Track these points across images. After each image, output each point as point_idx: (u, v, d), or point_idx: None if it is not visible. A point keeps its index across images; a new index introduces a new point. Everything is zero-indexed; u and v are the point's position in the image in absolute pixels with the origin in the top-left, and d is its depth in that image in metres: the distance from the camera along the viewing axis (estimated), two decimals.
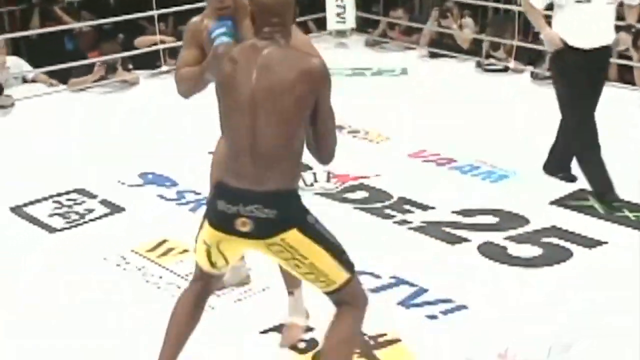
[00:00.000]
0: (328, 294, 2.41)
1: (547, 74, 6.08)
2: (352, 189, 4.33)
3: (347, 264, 2.40)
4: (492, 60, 6.51)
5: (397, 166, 4.59)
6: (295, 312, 2.95)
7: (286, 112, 2.28)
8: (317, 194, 4.25)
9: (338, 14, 7.01)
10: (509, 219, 3.94)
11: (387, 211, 4.06)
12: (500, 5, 7.59)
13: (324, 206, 4.09)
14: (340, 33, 7.22)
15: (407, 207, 4.09)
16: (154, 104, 5.64)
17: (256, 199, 2.31)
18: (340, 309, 2.41)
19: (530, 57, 6.43)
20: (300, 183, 4.35)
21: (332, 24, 7.14)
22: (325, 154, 2.37)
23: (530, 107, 5.53)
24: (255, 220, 2.31)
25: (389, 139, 4.98)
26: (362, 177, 4.42)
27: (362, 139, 5.01)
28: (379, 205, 4.12)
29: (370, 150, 4.84)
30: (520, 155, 4.66)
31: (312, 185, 4.38)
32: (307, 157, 2.38)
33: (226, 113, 2.36)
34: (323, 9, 7.12)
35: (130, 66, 6.34)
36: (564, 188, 4.22)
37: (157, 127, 5.17)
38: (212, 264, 2.46)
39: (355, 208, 4.08)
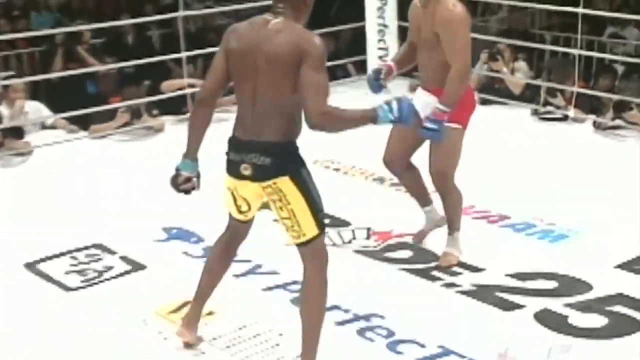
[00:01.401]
0: (297, 245, 3.08)
1: (611, 123, 6.10)
2: (395, 247, 4.32)
3: (320, 222, 3.06)
4: (549, 108, 6.51)
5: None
6: (452, 247, 4.19)
7: (279, 77, 2.93)
8: (355, 251, 4.25)
9: (380, 57, 7.08)
10: (569, 284, 3.89)
11: (434, 273, 4.04)
12: (559, 48, 7.62)
13: (364, 265, 4.09)
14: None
15: (455, 268, 4.07)
16: (180, 152, 5.70)
17: (255, 148, 3.02)
18: (306, 269, 3.08)
19: (592, 105, 6.42)
20: (338, 240, 4.39)
21: (373, 67, 7.21)
22: (307, 119, 2.89)
23: (592, 160, 5.51)
24: (254, 166, 3.03)
25: (434, 193, 4.98)
26: (405, 235, 4.42)
27: (406, 193, 5.02)
28: (424, 266, 4.11)
29: (415, 205, 4.84)
30: (582, 213, 4.62)
31: (350, 242, 4.39)
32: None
33: (237, 79, 3.05)
34: (364, 51, 7.20)
35: (156, 112, 6.46)
36: (632, 250, 4.17)
37: None
38: (239, 209, 3.19)
39: (399, 269, 4.07)
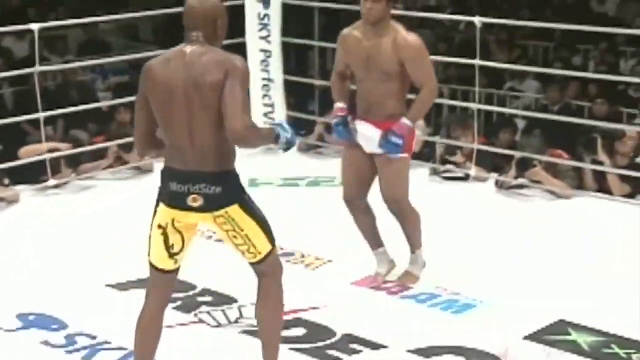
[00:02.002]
0: (253, 264, 3.45)
1: (515, 182, 6.30)
2: (287, 325, 4.28)
3: (271, 236, 3.44)
4: (448, 167, 6.68)
5: (340, 296, 4.60)
6: (413, 266, 4.69)
7: (209, 100, 3.19)
8: (242, 332, 4.20)
9: (265, 114, 7.14)
10: (476, 358, 3.94)
11: (330, 352, 4.03)
12: (456, 103, 7.89)
13: (251, 347, 4.04)
14: None
15: (354, 346, 4.07)
16: (35, 225, 5.58)
17: (202, 178, 3.27)
18: (263, 281, 3.47)
19: (494, 162, 6.61)
20: (223, 319, 4.34)
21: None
22: (232, 132, 3.18)
23: (496, 222, 5.66)
24: (205, 196, 3.29)
25: (329, 263, 5.00)
26: (298, 311, 4.40)
27: (297, 264, 5.02)
28: (319, 344, 4.09)
29: (307, 277, 4.85)
30: (488, 280, 4.72)
31: (236, 321, 4.34)
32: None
33: (165, 114, 3.27)
34: None
35: (7, 181, 6.25)
36: (541, 319, 4.28)
37: (40, 256, 5.09)
38: (169, 251, 3.38)
39: (291, 349, 4.04)
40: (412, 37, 4.33)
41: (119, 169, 6.55)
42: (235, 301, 4.53)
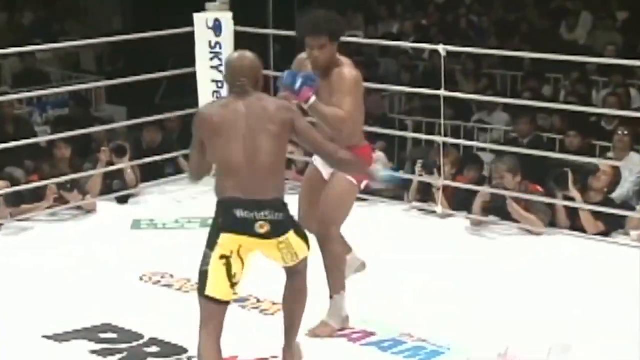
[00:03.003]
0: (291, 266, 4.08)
1: (485, 219, 6.34)
2: None
3: (307, 241, 4.08)
4: (415, 204, 6.71)
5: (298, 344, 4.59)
6: (331, 315, 4.62)
7: (274, 135, 3.87)
8: None
9: None
10: None
11: None
12: (421, 136, 7.93)
13: None
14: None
15: None
16: None
17: (265, 206, 3.86)
18: (294, 278, 4.12)
19: (461, 199, 6.64)
20: None
21: None
22: (330, 160, 4.17)
23: (465, 261, 5.68)
24: (270, 223, 3.87)
25: None
26: None
27: (252, 309, 5.00)
28: None
29: (264, 324, 4.82)
30: (457, 326, 4.74)
31: None
32: None
33: (225, 149, 3.88)
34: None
35: None
36: None
37: None
38: (231, 280, 3.86)
39: None
40: (347, 71, 4.47)
41: (60, 209, 6.47)
42: (185, 351, 4.49)
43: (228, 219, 3.86)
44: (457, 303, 5.01)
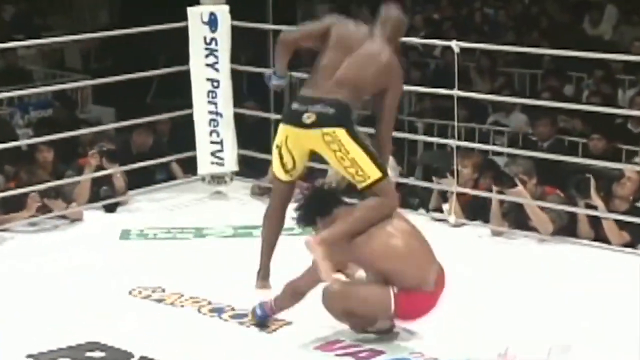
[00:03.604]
0: (363, 189, 4.65)
1: (504, 229, 6.34)
2: None
3: (381, 167, 4.65)
4: (423, 212, 6.73)
5: None
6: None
7: (370, 75, 4.77)
8: None
9: (213, 153, 7.16)
10: None
11: None
12: (433, 139, 7.94)
13: None
14: (217, 179, 7.34)
15: None
16: None
17: (322, 101, 4.66)
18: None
19: (476, 208, 6.65)
20: None
21: (204, 166, 7.27)
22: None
23: (479, 272, 5.69)
24: (318, 114, 4.63)
25: (289, 325, 5.01)
26: None
27: (251, 327, 5.02)
28: None
29: (265, 341, 4.85)
30: (470, 343, 4.76)
31: None
32: None
33: (327, 51, 4.81)
34: (192, 147, 7.27)
35: None
36: None
37: None
38: (284, 167, 4.87)
39: None
40: None
41: (42, 218, 6.49)
42: None
43: (285, 111, 4.86)
44: (471, 318, 5.02)
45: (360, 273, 4.80)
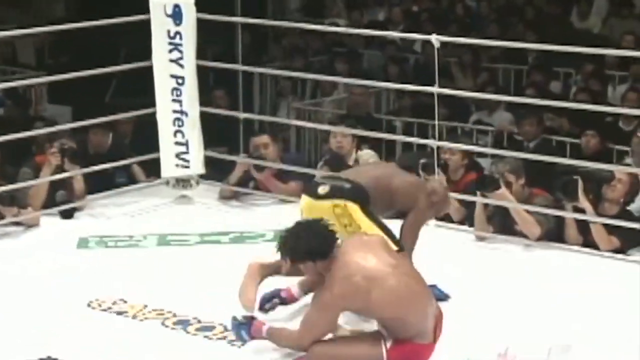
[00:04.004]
0: None
1: (489, 235, 6.35)
2: None
3: (396, 240, 4.83)
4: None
5: None
6: None
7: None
8: None
9: (178, 155, 7.14)
10: None
11: None
12: (412, 139, 7.94)
13: None
14: (182, 182, 7.33)
15: None
16: None
17: (343, 180, 5.01)
18: None
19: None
20: None
21: (169, 169, 7.25)
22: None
23: (468, 273, 5.70)
24: (332, 186, 4.90)
25: (259, 340, 4.99)
26: None
27: (220, 340, 5.01)
28: None
29: (233, 356, 4.84)
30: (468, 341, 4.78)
31: None
32: None
33: None
34: (155, 148, 7.25)
35: None
36: None
37: None
38: None
39: None
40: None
41: None
42: None
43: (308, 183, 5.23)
44: (467, 319, 5.05)
45: (345, 327, 4.70)
